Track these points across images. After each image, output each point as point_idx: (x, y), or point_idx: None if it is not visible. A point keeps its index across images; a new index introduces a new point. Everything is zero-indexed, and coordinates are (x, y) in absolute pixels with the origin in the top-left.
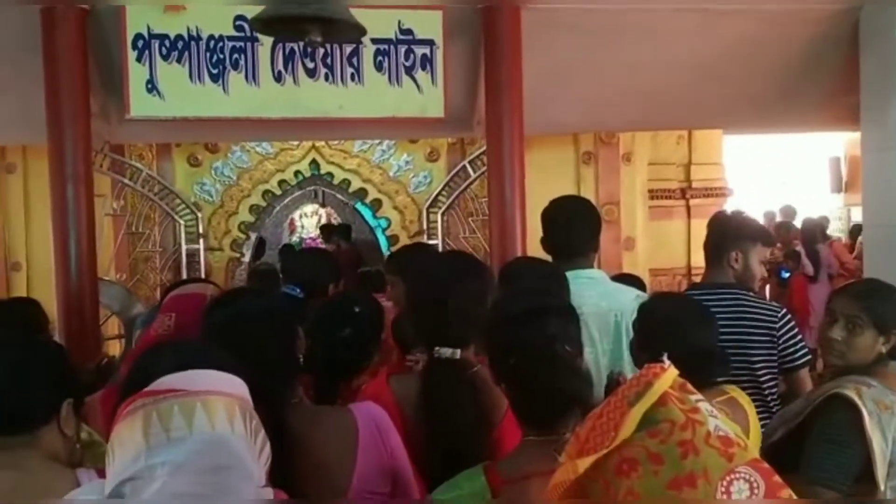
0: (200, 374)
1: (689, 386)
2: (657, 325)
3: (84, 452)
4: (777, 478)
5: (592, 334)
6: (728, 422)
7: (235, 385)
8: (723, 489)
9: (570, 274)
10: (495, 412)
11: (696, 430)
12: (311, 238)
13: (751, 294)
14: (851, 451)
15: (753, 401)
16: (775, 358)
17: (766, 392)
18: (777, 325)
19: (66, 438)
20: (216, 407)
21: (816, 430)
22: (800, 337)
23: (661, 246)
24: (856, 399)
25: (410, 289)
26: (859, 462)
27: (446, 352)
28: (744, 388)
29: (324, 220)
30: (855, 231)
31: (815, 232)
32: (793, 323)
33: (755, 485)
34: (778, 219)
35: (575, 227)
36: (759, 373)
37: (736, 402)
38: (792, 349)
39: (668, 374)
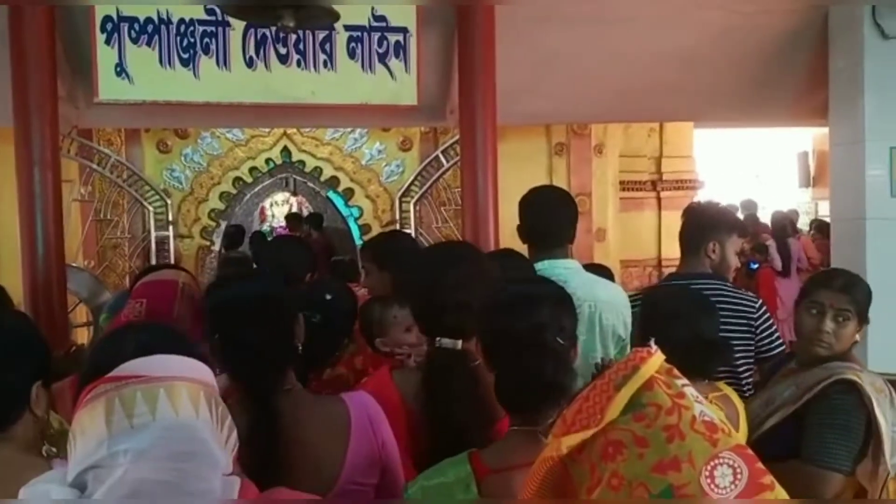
0: (164, 360)
1: (676, 371)
2: (661, 315)
3: (57, 441)
4: (760, 464)
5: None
6: (713, 408)
7: (200, 370)
8: (707, 473)
9: (546, 263)
10: (497, 407)
11: (682, 415)
12: (281, 227)
13: (729, 284)
14: (857, 434)
15: (732, 387)
16: (752, 348)
17: (743, 381)
18: (755, 316)
19: (36, 420)
20: (180, 393)
21: (821, 415)
22: (775, 327)
23: (632, 237)
24: (861, 383)
25: (408, 278)
26: (862, 444)
27: (447, 342)
28: (722, 376)
29: (295, 209)
30: (818, 226)
31: (785, 225)
32: (769, 314)
33: (738, 470)
34: (739, 212)
35: (553, 217)
36: (738, 362)
37: (728, 399)
38: (768, 339)
39: (655, 359)
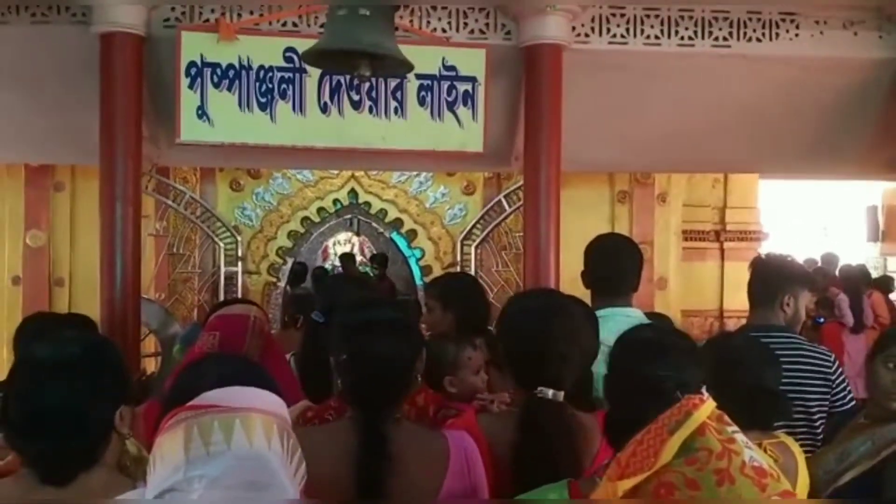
0: (241, 391)
1: (727, 418)
2: (724, 363)
3: (135, 465)
4: None
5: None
6: (764, 455)
7: (275, 403)
8: None
9: (608, 311)
10: (587, 458)
11: (732, 460)
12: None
13: (804, 339)
14: None
15: (806, 443)
16: (828, 402)
17: (818, 435)
18: (832, 370)
19: (119, 438)
20: (254, 424)
21: None
22: (847, 382)
23: (694, 287)
24: None
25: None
26: None
27: (548, 392)
28: (799, 431)
29: (356, 249)
30: (878, 282)
31: (859, 281)
32: (842, 368)
33: None
34: (819, 265)
35: (618, 265)
36: (814, 416)
37: (786, 447)
38: (842, 394)
39: (707, 405)
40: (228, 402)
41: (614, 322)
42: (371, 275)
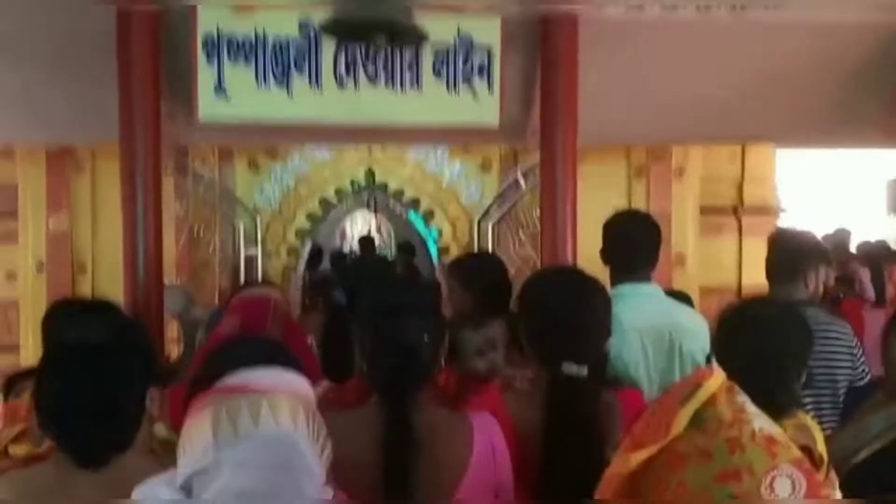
0: (268, 373)
1: (737, 388)
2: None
3: (164, 447)
4: (818, 477)
5: (646, 349)
6: (773, 423)
7: (301, 384)
8: (767, 484)
9: (628, 287)
10: (614, 433)
11: (743, 429)
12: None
13: (828, 314)
14: None
15: (832, 417)
16: (850, 377)
17: (842, 409)
18: (854, 345)
19: (148, 420)
20: (281, 405)
21: None
22: (865, 357)
23: (712, 263)
24: None
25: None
26: None
27: (572, 368)
28: (826, 405)
29: (373, 228)
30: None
31: (880, 255)
32: (860, 344)
33: (797, 482)
34: (828, 240)
35: (637, 241)
36: (840, 391)
37: (805, 426)
38: (862, 368)
39: (717, 377)
40: (255, 384)
41: (633, 300)
42: (391, 261)
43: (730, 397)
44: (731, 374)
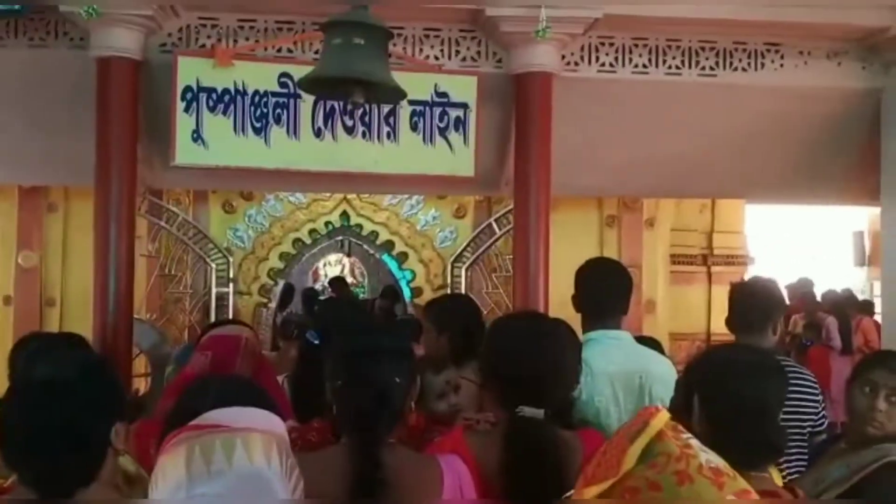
0: (242, 411)
1: (681, 427)
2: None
3: (133, 484)
4: None
5: (617, 394)
6: (718, 457)
7: (274, 423)
8: None
9: (597, 334)
10: (572, 473)
11: (690, 462)
12: (331, 290)
13: (794, 361)
14: None
15: (800, 464)
16: (814, 423)
17: (805, 458)
18: (818, 391)
19: (115, 454)
20: (255, 443)
21: (871, 497)
22: (824, 405)
23: (682, 311)
24: None
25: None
26: None
27: (530, 411)
28: (796, 453)
29: (347, 270)
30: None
31: (846, 305)
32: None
33: None
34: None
35: (608, 289)
36: (807, 438)
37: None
38: (822, 415)
39: (662, 415)
40: (230, 422)
41: (603, 345)
42: (363, 301)
43: (676, 434)
44: (714, 420)
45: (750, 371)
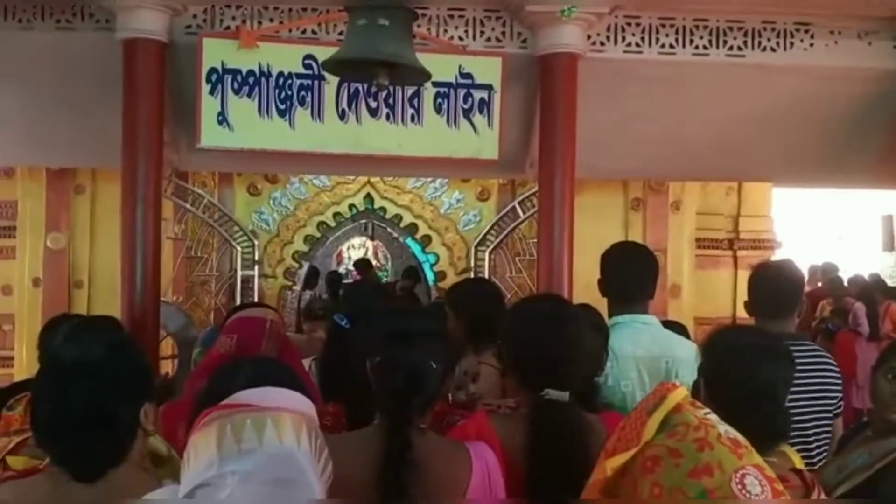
0: (273, 392)
1: (698, 402)
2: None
3: (164, 465)
4: (779, 485)
5: (644, 378)
6: (735, 430)
7: (304, 403)
8: (737, 480)
9: (626, 318)
10: (596, 454)
11: (709, 431)
12: (356, 271)
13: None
14: None
15: (824, 449)
16: (836, 407)
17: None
18: (840, 376)
19: (145, 434)
20: (285, 423)
21: (889, 485)
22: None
23: (707, 295)
24: None
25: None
26: None
27: (554, 394)
28: (824, 438)
29: (370, 253)
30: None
31: (874, 290)
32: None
33: (763, 485)
34: (818, 274)
35: (634, 272)
36: (833, 421)
37: (785, 455)
38: (841, 398)
39: (680, 390)
40: (260, 401)
41: (631, 329)
42: (387, 284)
43: (694, 407)
44: (720, 403)
45: (756, 355)
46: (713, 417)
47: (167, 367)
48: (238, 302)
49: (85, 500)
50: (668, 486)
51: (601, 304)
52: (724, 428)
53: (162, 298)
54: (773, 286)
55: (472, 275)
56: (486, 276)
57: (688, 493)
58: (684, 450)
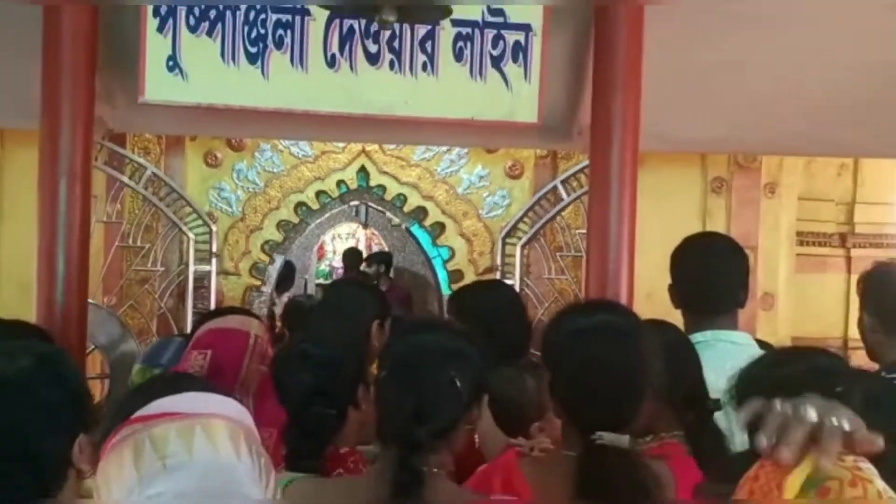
0: (199, 396)
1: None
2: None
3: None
4: None
5: (731, 416)
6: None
7: (240, 412)
8: None
9: (708, 335)
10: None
11: (867, 489)
12: (342, 267)
13: None
14: None
15: None
16: None
17: None
18: None
19: (79, 475)
20: (218, 430)
21: None
22: None
23: (810, 307)
24: None
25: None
26: None
27: (610, 437)
28: None
29: (362, 246)
30: None
31: None
32: None
33: None
34: None
35: (718, 275)
36: None
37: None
38: None
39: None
40: (185, 408)
41: (716, 350)
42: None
43: (841, 454)
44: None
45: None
46: (866, 467)
47: (95, 390)
48: (189, 305)
49: None
50: None
51: (674, 318)
52: (881, 484)
53: (90, 300)
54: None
55: (497, 275)
56: (518, 277)
57: None
58: None
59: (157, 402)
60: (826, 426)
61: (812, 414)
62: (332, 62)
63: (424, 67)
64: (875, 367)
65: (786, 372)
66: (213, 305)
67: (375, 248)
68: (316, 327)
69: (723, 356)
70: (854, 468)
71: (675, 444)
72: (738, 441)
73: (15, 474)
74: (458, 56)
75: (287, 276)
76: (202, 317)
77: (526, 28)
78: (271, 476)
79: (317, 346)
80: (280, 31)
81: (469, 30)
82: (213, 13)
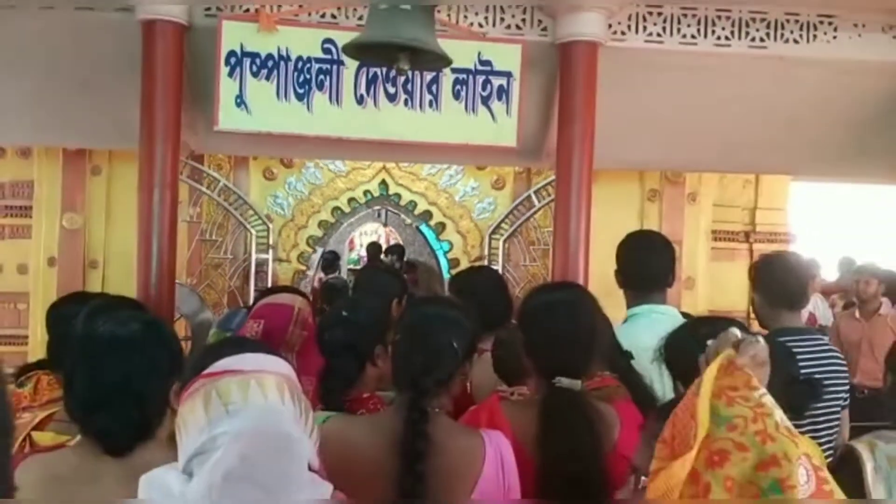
0: (252, 357)
1: (737, 363)
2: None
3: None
4: (823, 473)
5: (662, 370)
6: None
7: (284, 366)
8: (801, 465)
9: (643, 308)
10: (607, 445)
11: (766, 422)
12: (367, 257)
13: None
14: None
15: (833, 439)
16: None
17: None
18: (846, 366)
19: (171, 413)
20: (268, 383)
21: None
22: None
23: (722, 288)
24: (863, 454)
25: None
26: None
27: (566, 382)
28: (834, 429)
29: (383, 240)
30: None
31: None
32: None
33: (809, 472)
34: (838, 271)
35: (652, 262)
36: (839, 412)
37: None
38: (848, 390)
39: (715, 361)
40: (241, 366)
41: (649, 319)
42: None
43: (746, 394)
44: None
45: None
46: (767, 402)
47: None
48: (252, 285)
49: (110, 475)
50: (739, 479)
51: (618, 295)
52: (779, 414)
53: (176, 280)
54: (789, 279)
55: (486, 263)
56: (500, 264)
57: (761, 485)
58: (749, 443)
59: (222, 361)
60: (744, 339)
61: (736, 332)
62: (360, 100)
63: (430, 104)
64: (765, 332)
65: (703, 332)
66: (269, 284)
67: (392, 242)
68: (352, 300)
69: (655, 324)
70: (756, 406)
71: (609, 377)
72: (667, 389)
73: (127, 408)
74: (457, 95)
75: (332, 261)
76: (260, 293)
77: (508, 74)
78: (310, 415)
79: (351, 312)
80: (321, 76)
81: (465, 75)
82: (270, 62)
